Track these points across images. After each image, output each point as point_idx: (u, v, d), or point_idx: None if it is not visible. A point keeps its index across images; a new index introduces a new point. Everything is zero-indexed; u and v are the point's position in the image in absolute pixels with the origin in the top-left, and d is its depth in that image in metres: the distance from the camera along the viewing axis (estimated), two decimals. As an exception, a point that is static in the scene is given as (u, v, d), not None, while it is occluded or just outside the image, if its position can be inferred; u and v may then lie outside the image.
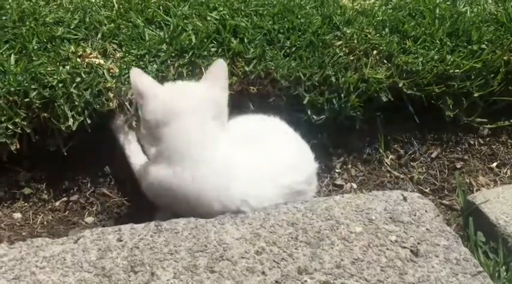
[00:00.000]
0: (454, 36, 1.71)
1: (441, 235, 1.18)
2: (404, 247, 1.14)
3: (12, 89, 1.33)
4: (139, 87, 1.23)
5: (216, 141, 1.23)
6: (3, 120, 1.31)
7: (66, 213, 1.40)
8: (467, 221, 1.33)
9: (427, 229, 1.19)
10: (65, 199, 1.43)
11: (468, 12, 1.81)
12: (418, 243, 1.15)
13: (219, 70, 1.28)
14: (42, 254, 1.07)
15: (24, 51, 1.44)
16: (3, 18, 1.54)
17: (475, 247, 1.28)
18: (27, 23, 1.53)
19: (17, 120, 1.32)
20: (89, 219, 1.39)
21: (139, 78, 1.24)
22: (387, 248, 1.13)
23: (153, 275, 1.04)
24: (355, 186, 1.55)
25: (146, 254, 1.08)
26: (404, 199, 1.27)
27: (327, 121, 1.53)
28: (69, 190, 1.44)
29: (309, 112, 1.52)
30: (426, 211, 1.24)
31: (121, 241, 1.11)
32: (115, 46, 1.52)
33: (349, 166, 1.60)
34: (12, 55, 1.42)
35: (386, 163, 1.61)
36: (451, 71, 1.60)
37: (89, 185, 1.46)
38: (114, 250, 1.09)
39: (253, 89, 1.51)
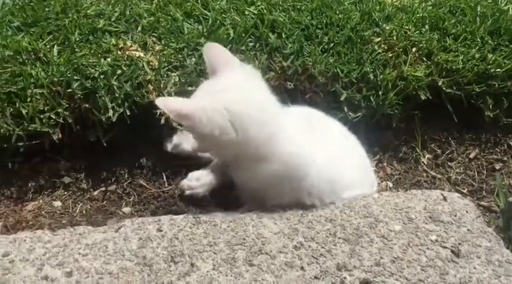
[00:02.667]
0: (496, 34, 1.68)
1: (482, 236, 1.16)
2: (445, 247, 1.12)
3: (55, 79, 1.36)
4: (178, 110, 1.10)
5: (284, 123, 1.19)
6: (46, 109, 1.34)
7: (104, 203, 1.42)
8: (509, 223, 1.30)
9: (468, 229, 1.17)
10: (103, 189, 1.45)
11: (510, 11, 1.77)
12: (459, 244, 1.13)
13: (220, 55, 1.20)
14: (85, 242, 1.09)
15: (66, 43, 1.47)
16: (47, 9, 1.58)
17: (516, 250, 1.25)
18: (69, 14, 1.56)
19: (59, 110, 1.35)
20: (126, 209, 1.41)
21: (172, 103, 1.12)
22: (427, 248, 1.12)
23: (192, 266, 1.05)
24: (390, 184, 1.53)
25: (186, 245, 1.09)
26: (444, 199, 1.25)
27: (363, 118, 1.51)
28: (107, 180, 1.46)
29: (345, 109, 1.50)
30: (467, 212, 1.22)
31: (161, 231, 1.12)
32: (154, 39, 1.54)
33: (385, 164, 1.59)
34: (56, 46, 1.45)
35: (423, 162, 1.59)
36: (492, 70, 1.57)
37: (126, 176, 1.47)
38: (155, 240, 1.10)
39: (290, 85, 1.51)
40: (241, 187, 1.29)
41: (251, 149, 1.15)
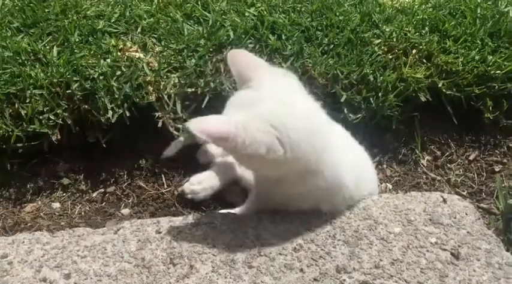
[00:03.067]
0: (496, 36, 1.68)
1: (482, 238, 1.16)
2: (445, 250, 1.12)
3: (54, 80, 1.36)
4: (216, 133, 0.98)
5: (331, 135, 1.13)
6: (45, 110, 1.34)
7: (103, 204, 1.42)
8: (508, 225, 1.30)
9: (467, 232, 1.17)
10: (102, 190, 1.44)
11: (510, 13, 1.76)
12: (459, 246, 1.13)
13: (247, 62, 1.09)
14: (84, 244, 1.09)
15: (66, 44, 1.47)
16: (46, 10, 1.57)
17: (516, 252, 1.25)
18: (69, 15, 1.56)
19: (58, 111, 1.35)
20: (125, 211, 1.40)
21: (207, 125, 0.99)
22: (427, 250, 1.12)
23: (191, 268, 1.05)
24: (390, 186, 1.53)
25: (185, 247, 1.09)
26: (444, 201, 1.25)
27: (363, 120, 1.51)
28: (106, 181, 1.46)
29: (345, 110, 1.50)
30: (466, 214, 1.22)
31: (160, 233, 1.12)
32: (154, 40, 1.54)
33: (385, 166, 1.58)
34: (55, 47, 1.45)
35: (422, 164, 1.59)
36: (492, 72, 1.57)
37: (125, 177, 1.47)
38: (154, 242, 1.10)
39: (290, 86, 1.50)
40: (261, 194, 1.23)
41: (301, 165, 1.04)
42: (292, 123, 1.01)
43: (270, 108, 1.01)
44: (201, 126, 0.97)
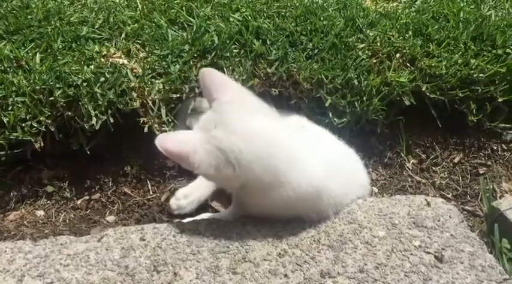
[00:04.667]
0: (479, 40, 1.69)
1: (466, 241, 1.16)
2: (429, 253, 1.12)
3: (37, 87, 1.35)
4: (172, 152, 1.08)
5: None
6: (28, 118, 1.33)
7: (88, 212, 1.41)
8: (492, 227, 1.31)
9: (451, 234, 1.17)
10: (86, 197, 1.44)
11: (493, 16, 1.78)
12: (443, 249, 1.13)
13: (214, 79, 1.15)
14: (66, 252, 1.08)
15: (49, 50, 1.46)
16: (29, 17, 1.56)
17: (500, 254, 1.25)
18: (52, 22, 1.55)
19: (41, 118, 1.34)
20: (110, 218, 1.39)
21: (168, 144, 1.08)
22: (411, 254, 1.12)
23: (175, 275, 1.04)
24: (376, 190, 1.54)
25: (169, 254, 1.08)
26: (428, 204, 1.26)
27: (348, 124, 1.52)
28: (90, 188, 1.45)
29: (330, 115, 1.51)
30: (450, 217, 1.22)
31: (144, 240, 1.12)
32: (138, 46, 1.53)
33: (370, 170, 1.59)
34: (38, 54, 1.43)
35: (407, 167, 1.60)
36: (475, 75, 1.58)
37: (110, 184, 1.46)
38: (137, 249, 1.09)
39: (274, 91, 1.51)
40: (238, 204, 1.24)
41: (257, 181, 1.08)
42: (243, 145, 1.05)
43: (221, 131, 1.07)
44: (162, 143, 1.07)
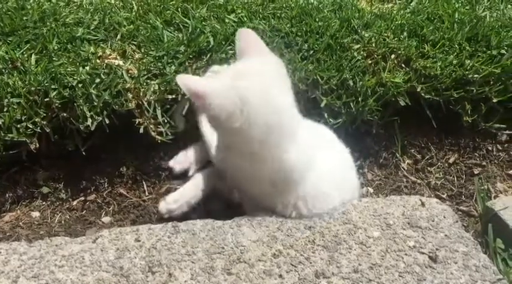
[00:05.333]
0: (473, 41, 1.70)
1: (460, 241, 1.17)
2: (423, 253, 1.13)
3: (32, 89, 1.35)
4: (193, 89, 1.10)
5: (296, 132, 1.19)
6: (23, 119, 1.33)
7: (84, 212, 1.41)
8: (486, 227, 1.31)
9: (445, 235, 1.18)
10: (82, 198, 1.44)
11: (487, 17, 1.79)
12: (437, 249, 1.14)
13: (252, 40, 1.20)
14: (61, 253, 1.08)
15: (44, 51, 1.46)
16: (25, 18, 1.56)
17: (494, 254, 1.26)
18: (47, 23, 1.55)
19: (36, 120, 1.34)
20: (106, 219, 1.40)
21: (189, 81, 1.13)
22: (405, 254, 1.12)
23: (170, 276, 1.04)
24: (371, 190, 1.54)
25: (164, 255, 1.08)
26: (423, 204, 1.26)
27: (344, 125, 1.52)
28: (86, 189, 1.45)
29: (326, 115, 1.51)
30: (445, 217, 1.23)
31: (139, 241, 1.12)
32: (134, 47, 1.53)
33: (366, 170, 1.60)
34: (33, 55, 1.44)
35: (403, 167, 1.60)
36: (470, 76, 1.59)
37: (106, 185, 1.46)
38: (132, 250, 1.09)
39: (270, 92, 1.51)
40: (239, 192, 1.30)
41: (248, 145, 1.14)
42: (258, 105, 1.11)
43: (245, 83, 1.12)
44: (184, 81, 1.11)
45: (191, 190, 1.35)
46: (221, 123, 1.12)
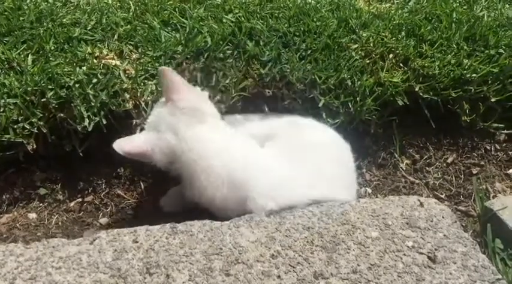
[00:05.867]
0: (471, 40, 1.69)
1: (459, 241, 1.16)
2: (422, 253, 1.12)
3: (29, 89, 1.34)
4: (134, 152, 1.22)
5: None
6: (20, 119, 1.32)
7: (81, 214, 1.40)
8: (485, 227, 1.31)
9: (444, 235, 1.17)
10: (79, 199, 1.43)
11: (485, 17, 1.79)
12: (436, 249, 1.13)
13: (173, 82, 1.25)
14: (58, 255, 1.07)
15: (41, 52, 1.45)
16: (21, 18, 1.56)
17: (493, 254, 1.26)
18: (44, 23, 1.54)
19: (33, 120, 1.33)
20: (103, 220, 1.39)
21: (126, 146, 1.21)
22: (404, 254, 1.12)
23: (168, 277, 1.04)
24: (369, 190, 1.54)
25: (161, 256, 1.08)
26: (421, 204, 1.25)
27: (342, 124, 1.52)
28: (83, 191, 1.45)
29: (324, 115, 1.51)
30: (443, 217, 1.22)
31: (136, 242, 1.11)
32: (131, 47, 1.53)
33: (364, 170, 1.59)
34: (30, 55, 1.43)
35: (401, 168, 1.60)
36: (468, 76, 1.58)
37: (103, 186, 1.46)
38: (130, 252, 1.08)
39: (268, 92, 1.51)
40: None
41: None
42: (185, 150, 1.22)
43: (170, 137, 1.22)
44: (122, 147, 1.20)
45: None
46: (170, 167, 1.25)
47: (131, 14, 1.64)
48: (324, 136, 1.40)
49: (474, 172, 1.60)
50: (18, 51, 1.45)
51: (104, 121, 1.36)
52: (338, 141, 1.39)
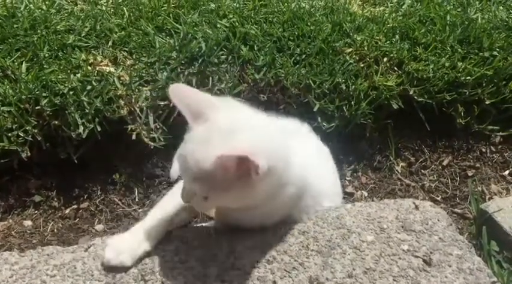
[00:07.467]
0: (465, 43, 1.70)
1: (454, 244, 1.16)
2: (417, 257, 1.12)
3: (23, 97, 1.34)
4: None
5: None
6: (14, 127, 1.32)
7: (76, 221, 1.40)
8: (481, 230, 1.31)
9: (439, 238, 1.17)
10: (75, 206, 1.43)
11: (479, 19, 1.80)
12: (431, 252, 1.13)
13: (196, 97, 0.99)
14: (53, 263, 1.07)
15: (35, 59, 1.45)
16: (15, 26, 1.55)
17: (488, 257, 1.26)
18: (38, 31, 1.54)
19: (28, 128, 1.33)
20: (99, 227, 1.39)
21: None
22: (399, 258, 1.12)
23: (163, 284, 1.03)
24: (365, 193, 1.54)
25: (156, 263, 1.07)
26: (416, 207, 1.25)
27: (337, 128, 1.52)
28: (79, 197, 1.44)
29: (319, 119, 1.51)
30: (438, 220, 1.22)
31: (131, 249, 1.10)
32: (125, 54, 1.53)
33: (360, 173, 1.59)
34: (24, 63, 1.43)
35: (397, 170, 1.60)
36: (462, 78, 1.59)
37: (98, 192, 1.45)
38: (125, 259, 1.08)
39: (263, 97, 1.51)
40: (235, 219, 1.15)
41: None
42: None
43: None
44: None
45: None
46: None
47: (125, 20, 1.65)
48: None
49: (470, 174, 1.60)
50: (12, 58, 1.44)
51: (99, 128, 1.36)
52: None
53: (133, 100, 1.41)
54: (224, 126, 0.95)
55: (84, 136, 1.35)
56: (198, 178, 0.93)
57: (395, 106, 1.54)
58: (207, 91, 1.46)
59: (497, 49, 1.67)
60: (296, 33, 1.63)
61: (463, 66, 1.60)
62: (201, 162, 0.92)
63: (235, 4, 1.75)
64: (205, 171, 0.91)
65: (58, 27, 1.57)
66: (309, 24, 1.67)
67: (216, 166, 0.90)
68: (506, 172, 1.62)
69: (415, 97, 1.56)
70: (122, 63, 1.49)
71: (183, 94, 0.98)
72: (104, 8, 1.71)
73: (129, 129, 1.39)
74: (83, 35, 1.56)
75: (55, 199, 1.43)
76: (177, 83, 1.13)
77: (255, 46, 1.57)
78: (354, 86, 1.52)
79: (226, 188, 0.94)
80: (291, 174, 1.04)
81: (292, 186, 1.06)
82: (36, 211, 1.40)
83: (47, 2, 1.70)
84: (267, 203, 1.05)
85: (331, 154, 1.35)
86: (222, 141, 0.93)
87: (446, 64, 1.60)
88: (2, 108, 1.32)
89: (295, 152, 1.08)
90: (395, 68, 1.60)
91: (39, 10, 1.65)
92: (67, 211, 1.42)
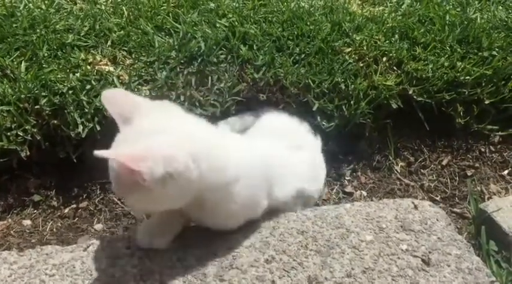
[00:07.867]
0: (464, 42, 1.70)
1: (453, 244, 1.16)
2: (416, 256, 1.12)
3: (22, 96, 1.34)
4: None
5: None
6: (13, 127, 1.32)
7: (75, 220, 1.40)
8: (479, 230, 1.31)
9: (438, 238, 1.17)
10: (74, 206, 1.42)
11: (478, 19, 1.79)
12: (430, 252, 1.13)
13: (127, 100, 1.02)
14: (52, 262, 1.07)
15: (34, 59, 1.45)
16: (14, 25, 1.55)
17: (487, 256, 1.26)
18: (37, 30, 1.54)
19: (27, 127, 1.33)
20: (98, 226, 1.39)
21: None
22: (398, 257, 1.12)
23: (162, 284, 1.04)
24: (365, 193, 1.54)
25: (155, 262, 1.08)
26: (415, 207, 1.26)
27: (336, 128, 1.52)
28: (78, 197, 1.44)
29: (318, 119, 1.51)
30: (437, 220, 1.22)
31: (130, 248, 1.11)
32: (125, 53, 1.53)
33: (359, 173, 1.59)
34: (23, 62, 1.43)
35: (396, 170, 1.60)
36: (462, 78, 1.59)
37: (98, 192, 1.45)
38: (124, 258, 1.08)
39: (262, 96, 1.51)
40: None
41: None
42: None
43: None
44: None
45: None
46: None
47: (124, 19, 1.64)
48: None
49: (469, 174, 1.60)
50: (12, 58, 1.44)
51: (98, 128, 1.36)
52: None
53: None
54: (141, 130, 0.98)
55: (83, 136, 1.35)
56: (113, 177, 0.99)
57: (394, 106, 1.54)
58: (207, 90, 1.46)
59: (497, 49, 1.67)
60: (295, 32, 1.63)
61: (462, 66, 1.60)
62: (110, 162, 0.98)
63: (234, 4, 1.75)
64: (113, 171, 0.98)
65: (57, 26, 1.57)
66: (308, 23, 1.67)
67: (117, 168, 0.95)
68: (506, 171, 1.63)
69: (415, 97, 1.56)
70: (121, 63, 1.49)
71: (114, 100, 1.01)
72: (103, 8, 1.71)
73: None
74: (82, 34, 1.56)
75: (54, 198, 1.42)
76: (110, 89, 1.16)
77: (254, 45, 1.56)
78: (353, 86, 1.52)
79: (130, 190, 0.97)
80: (231, 173, 1.04)
81: (239, 182, 1.05)
82: (35, 211, 1.40)
83: (46, 2, 1.70)
84: (209, 204, 1.04)
85: (327, 154, 1.38)
86: (129, 144, 0.98)
87: (446, 64, 1.60)
88: (1, 107, 1.32)
89: (244, 149, 1.12)
90: (395, 68, 1.60)
91: (39, 9, 1.65)
92: (66, 210, 1.42)
